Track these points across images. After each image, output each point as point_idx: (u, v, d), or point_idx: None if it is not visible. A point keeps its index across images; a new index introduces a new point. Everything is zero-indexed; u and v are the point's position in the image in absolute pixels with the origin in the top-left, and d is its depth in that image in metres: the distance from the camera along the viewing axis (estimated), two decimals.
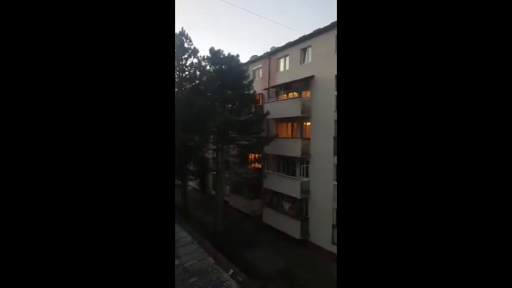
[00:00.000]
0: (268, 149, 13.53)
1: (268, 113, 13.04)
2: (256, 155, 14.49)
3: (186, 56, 14.60)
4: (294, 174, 12.90)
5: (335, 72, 10.30)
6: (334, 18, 19.13)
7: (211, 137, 13.69)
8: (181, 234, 9.97)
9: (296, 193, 12.04)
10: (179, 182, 15.70)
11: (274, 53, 14.69)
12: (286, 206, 13.46)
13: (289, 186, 12.49)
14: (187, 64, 14.81)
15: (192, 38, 15.05)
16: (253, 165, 15.14)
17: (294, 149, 12.20)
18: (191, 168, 15.90)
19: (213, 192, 16.25)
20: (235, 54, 12.88)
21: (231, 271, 7.29)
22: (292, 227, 12.32)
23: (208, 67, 13.22)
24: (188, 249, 8.68)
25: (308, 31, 22.80)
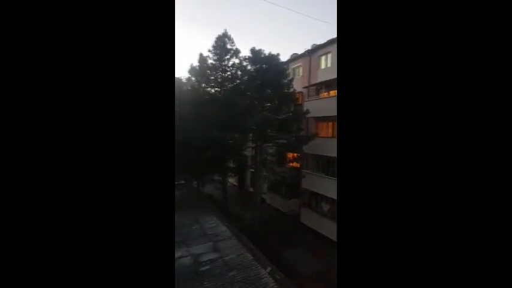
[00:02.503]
0: (307, 149, 13.34)
1: (307, 111, 12.85)
2: (295, 154, 14.38)
3: (228, 56, 15.03)
4: (333, 174, 12.53)
5: None
6: None
7: (251, 135, 13.94)
8: (221, 229, 10.35)
9: (336, 194, 11.69)
10: (219, 178, 16.29)
11: (315, 51, 14.39)
12: (326, 207, 13.15)
13: (329, 187, 12.17)
14: (229, 65, 15.24)
15: (234, 39, 15.42)
16: (291, 164, 15.06)
17: (334, 148, 11.85)
18: (231, 165, 16.37)
19: (251, 190, 16.54)
20: (275, 53, 12.92)
21: (269, 268, 7.38)
22: (331, 229, 12.01)
23: (249, 67, 13.46)
24: (227, 244, 9.00)
25: None
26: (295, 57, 16.40)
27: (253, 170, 15.62)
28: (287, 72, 14.01)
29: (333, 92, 13.02)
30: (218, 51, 14.87)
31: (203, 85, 15.56)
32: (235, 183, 22.48)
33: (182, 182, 18.85)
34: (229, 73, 15.37)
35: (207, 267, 7.50)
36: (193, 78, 15.74)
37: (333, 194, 11.96)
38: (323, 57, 14.03)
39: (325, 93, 13.54)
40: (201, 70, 15.23)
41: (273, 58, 12.82)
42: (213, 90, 15.76)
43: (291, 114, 13.30)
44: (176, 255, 8.04)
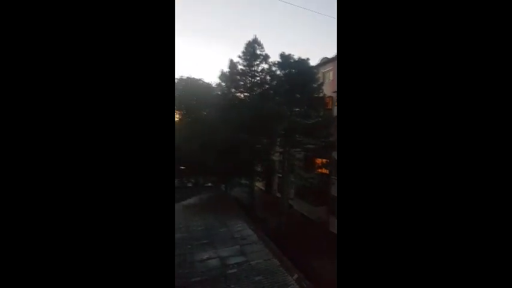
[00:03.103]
0: (336, 155, 12.98)
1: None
2: (324, 160, 14.05)
3: (257, 62, 15.22)
4: None
5: None
6: None
7: (279, 140, 13.90)
8: (248, 232, 10.38)
9: None
10: (246, 182, 16.41)
11: None
12: None
13: None
14: (259, 70, 15.42)
15: (264, 44, 15.58)
16: (319, 170, 14.72)
17: None
18: (258, 169, 16.42)
19: (278, 195, 16.43)
20: (305, 58, 12.84)
21: (296, 276, 7.24)
22: None
23: (278, 72, 13.50)
24: (254, 248, 8.99)
25: None
26: (325, 61, 16.13)
27: (280, 175, 15.53)
28: (317, 76, 13.82)
29: None
30: (248, 57, 15.12)
31: (232, 90, 15.88)
32: (263, 188, 22.48)
33: (210, 184, 19.29)
34: (258, 78, 15.54)
35: (234, 270, 7.54)
36: (223, 84, 16.14)
37: None
38: None
39: None
40: (231, 75, 15.56)
41: (302, 63, 12.75)
42: (242, 95, 16.02)
43: (320, 119, 13.07)
44: (204, 257, 8.21)
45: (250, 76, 15.49)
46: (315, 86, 13.05)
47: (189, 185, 19.80)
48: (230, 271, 7.47)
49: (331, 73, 15.60)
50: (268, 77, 15.00)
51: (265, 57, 15.15)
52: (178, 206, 14.05)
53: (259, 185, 21.99)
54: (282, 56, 12.91)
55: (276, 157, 16.57)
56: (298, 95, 12.68)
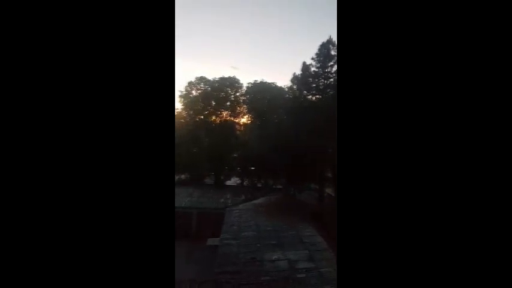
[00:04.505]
0: None
1: None
2: None
3: (331, 63, 14.71)
4: None
5: None
6: None
7: None
8: (317, 239, 10.08)
9: None
10: (316, 186, 15.97)
11: None
12: None
13: None
14: (333, 71, 14.87)
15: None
16: None
17: None
18: (329, 174, 15.80)
19: None
20: None
21: None
22: None
23: None
24: (324, 255, 8.66)
25: None
26: None
27: None
28: None
29: None
30: (321, 58, 14.74)
31: (304, 92, 15.72)
32: (333, 194, 21.49)
33: (278, 187, 19.48)
34: (332, 80, 14.97)
35: (303, 275, 7.41)
36: (294, 87, 16.14)
37: None
38: None
39: None
40: (303, 78, 15.44)
41: None
42: (313, 98, 15.70)
43: None
44: (272, 257, 8.32)
45: (323, 78, 15.06)
46: None
47: (259, 185, 20.42)
48: (299, 275, 7.38)
49: None
50: None
51: None
52: (248, 205, 14.67)
53: (329, 190, 21.12)
54: None
55: None
56: None
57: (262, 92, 20.53)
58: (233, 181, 21.65)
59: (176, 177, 20.66)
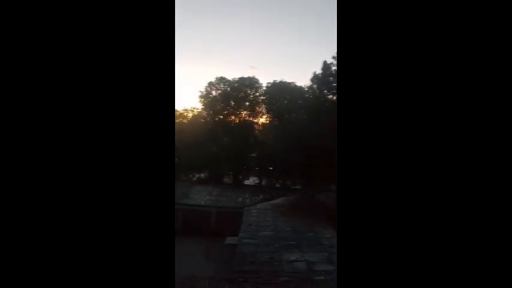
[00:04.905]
0: None
1: None
2: None
3: None
4: None
5: None
6: None
7: None
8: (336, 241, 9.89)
9: None
10: (336, 187, 15.67)
11: None
12: None
13: None
14: None
15: None
16: None
17: None
18: None
19: None
20: None
21: None
22: None
23: None
24: None
25: None
26: None
27: None
28: None
29: None
30: None
31: (325, 92, 15.47)
32: None
33: (298, 187, 19.32)
34: None
35: (322, 277, 7.30)
36: (314, 86, 15.93)
37: None
38: None
39: None
40: (324, 77, 15.20)
41: None
42: (334, 97, 15.40)
43: None
44: (291, 258, 8.28)
45: None
46: None
47: (277, 185, 20.37)
48: (317, 277, 7.28)
49: None
50: None
51: None
52: (266, 205, 14.67)
53: None
54: None
55: None
56: None
57: (281, 91, 20.46)
58: (251, 181, 21.77)
59: (196, 176, 21.11)
